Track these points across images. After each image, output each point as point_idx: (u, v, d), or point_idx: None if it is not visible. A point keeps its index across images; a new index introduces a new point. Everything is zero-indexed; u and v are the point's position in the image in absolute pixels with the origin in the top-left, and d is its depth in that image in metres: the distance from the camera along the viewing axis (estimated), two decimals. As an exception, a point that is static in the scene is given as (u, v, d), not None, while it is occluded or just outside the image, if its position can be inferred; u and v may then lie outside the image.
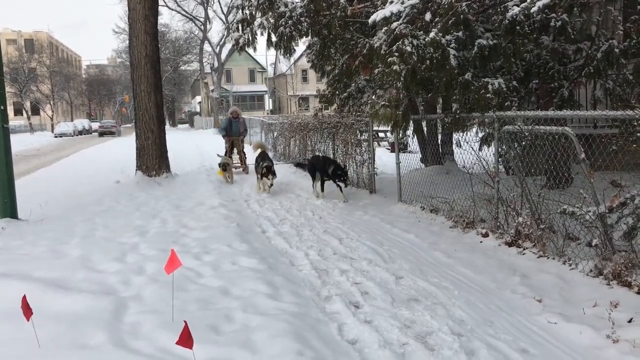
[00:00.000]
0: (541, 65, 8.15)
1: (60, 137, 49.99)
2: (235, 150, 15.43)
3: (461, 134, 9.06)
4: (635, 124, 5.01)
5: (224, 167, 13.03)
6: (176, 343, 3.23)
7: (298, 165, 12.97)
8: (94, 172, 15.64)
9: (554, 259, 5.78)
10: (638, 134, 5.01)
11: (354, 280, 5.62)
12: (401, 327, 4.41)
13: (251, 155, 14.09)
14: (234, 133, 15.18)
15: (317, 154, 13.48)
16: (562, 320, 4.44)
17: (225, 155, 14.72)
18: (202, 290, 5.09)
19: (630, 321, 4.24)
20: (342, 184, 10.41)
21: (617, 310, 4.42)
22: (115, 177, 13.38)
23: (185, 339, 3.12)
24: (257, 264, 5.92)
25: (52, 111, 64.28)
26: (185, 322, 3.26)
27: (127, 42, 13.44)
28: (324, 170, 10.59)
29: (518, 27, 6.70)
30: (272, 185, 11.11)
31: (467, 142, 8.28)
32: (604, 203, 5.37)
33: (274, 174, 11.12)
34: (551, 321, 4.46)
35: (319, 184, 10.75)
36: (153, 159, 12.93)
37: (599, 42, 7.78)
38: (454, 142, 12.81)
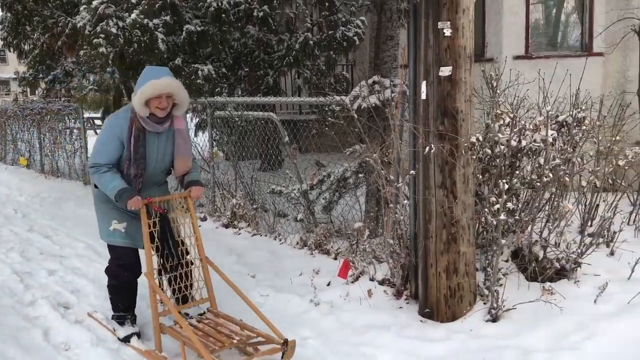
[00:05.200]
0: (248, 54, 8.58)
1: None
2: (161, 246, 3.80)
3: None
4: (327, 109, 5.63)
5: None
6: None
7: None
8: None
9: (266, 235, 6.20)
10: (330, 119, 5.64)
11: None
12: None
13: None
14: (152, 176, 3.79)
15: None
16: (273, 292, 4.77)
17: (131, 264, 3.91)
18: None
19: (328, 284, 4.76)
20: None
21: (318, 277, 4.92)
22: None
23: None
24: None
25: None
26: None
27: None
28: None
29: (224, 15, 6.92)
30: None
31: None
32: (307, 181, 5.95)
33: None
34: (264, 294, 4.76)
35: None
36: None
37: (298, 34, 8.52)
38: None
